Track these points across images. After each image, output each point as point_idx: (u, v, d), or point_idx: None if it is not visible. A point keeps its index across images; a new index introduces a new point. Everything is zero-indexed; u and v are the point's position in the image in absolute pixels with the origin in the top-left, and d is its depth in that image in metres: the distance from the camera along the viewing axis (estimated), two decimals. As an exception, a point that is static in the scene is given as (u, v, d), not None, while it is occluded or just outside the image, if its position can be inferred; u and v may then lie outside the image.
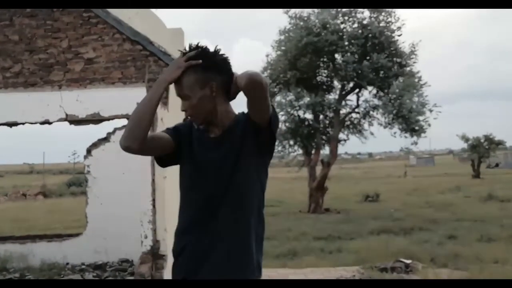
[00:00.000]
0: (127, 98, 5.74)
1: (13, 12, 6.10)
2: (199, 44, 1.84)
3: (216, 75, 1.81)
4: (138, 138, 1.76)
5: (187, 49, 1.84)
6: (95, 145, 7.58)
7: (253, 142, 1.83)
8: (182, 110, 1.87)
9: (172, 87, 1.88)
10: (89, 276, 6.33)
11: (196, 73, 1.80)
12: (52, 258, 6.99)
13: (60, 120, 6.13)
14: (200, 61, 1.78)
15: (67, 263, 7.02)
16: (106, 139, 7.55)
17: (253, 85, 1.68)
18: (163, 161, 1.96)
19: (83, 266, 6.91)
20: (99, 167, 7.47)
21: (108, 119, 6.25)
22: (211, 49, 1.84)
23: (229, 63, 1.86)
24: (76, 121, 6.18)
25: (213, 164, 1.83)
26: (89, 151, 7.59)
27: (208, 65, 1.80)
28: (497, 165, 44.08)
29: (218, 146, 1.85)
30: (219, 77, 1.81)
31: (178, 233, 1.91)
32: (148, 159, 4.99)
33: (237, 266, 1.81)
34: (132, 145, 1.77)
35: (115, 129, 7.49)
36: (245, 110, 1.85)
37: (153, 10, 6.80)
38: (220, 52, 1.84)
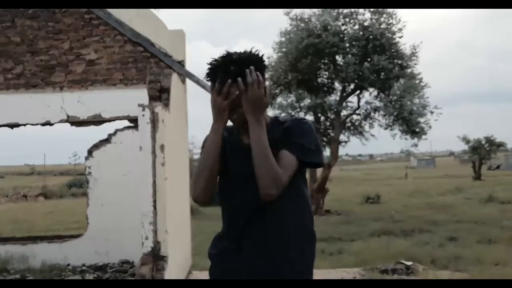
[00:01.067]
0: (128, 100, 5.76)
1: (15, 13, 6.12)
2: (218, 63, 1.73)
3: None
4: (208, 191, 1.80)
5: (208, 77, 1.77)
6: (96, 146, 7.58)
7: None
8: (232, 120, 1.81)
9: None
10: (89, 277, 6.34)
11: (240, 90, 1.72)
12: (53, 259, 7.00)
13: (62, 121, 6.15)
14: (237, 92, 1.70)
15: (68, 264, 7.03)
16: (107, 141, 7.55)
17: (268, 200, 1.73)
18: None
19: (84, 267, 6.92)
20: (100, 168, 7.47)
21: (110, 120, 6.26)
22: (238, 53, 1.73)
23: (261, 65, 1.75)
24: (77, 122, 6.20)
25: (245, 170, 1.78)
26: (90, 152, 7.59)
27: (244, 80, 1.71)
28: (498, 167, 44.01)
29: (250, 153, 1.79)
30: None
31: (215, 237, 1.96)
32: (149, 160, 5.00)
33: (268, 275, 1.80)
34: (205, 199, 1.80)
35: (116, 131, 7.49)
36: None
37: (154, 11, 6.82)
38: (247, 58, 1.72)
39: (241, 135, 1.86)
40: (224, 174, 1.87)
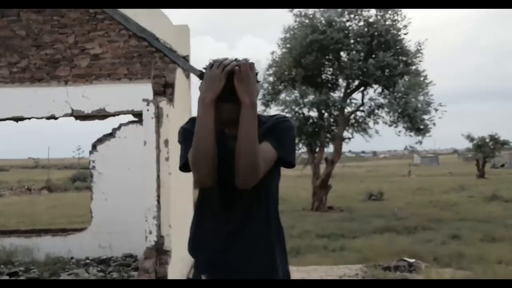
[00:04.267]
0: (132, 94, 5.78)
1: (20, 7, 6.13)
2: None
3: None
4: (214, 174, 1.69)
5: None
6: (100, 140, 7.61)
7: None
8: (219, 118, 1.72)
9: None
10: (93, 270, 6.37)
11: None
12: (57, 252, 7.04)
13: (66, 115, 6.18)
14: (236, 67, 1.63)
15: (72, 258, 7.07)
16: (111, 135, 7.58)
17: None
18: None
19: (88, 261, 6.96)
20: (104, 162, 7.50)
21: (114, 114, 6.28)
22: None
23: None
24: (81, 116, 6.22)
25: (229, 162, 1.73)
26: (94, 146, 7.62)
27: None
28: (503, 165, 43.82)
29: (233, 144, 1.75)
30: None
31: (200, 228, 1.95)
32: (153, 154, 5.01)
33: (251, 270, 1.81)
34: (212, 183, 1.72)
35: (121, 125, 7.51)
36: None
37: (159, 6, 6.80)
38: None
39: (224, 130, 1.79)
40: None
